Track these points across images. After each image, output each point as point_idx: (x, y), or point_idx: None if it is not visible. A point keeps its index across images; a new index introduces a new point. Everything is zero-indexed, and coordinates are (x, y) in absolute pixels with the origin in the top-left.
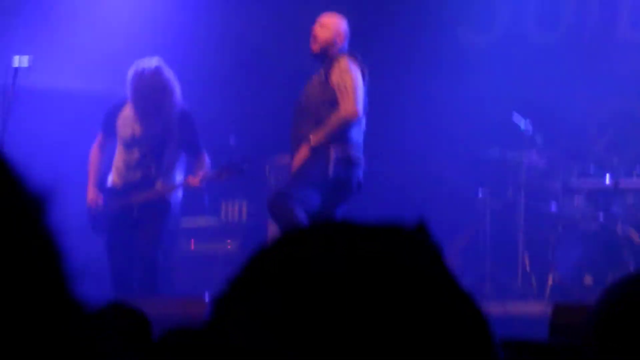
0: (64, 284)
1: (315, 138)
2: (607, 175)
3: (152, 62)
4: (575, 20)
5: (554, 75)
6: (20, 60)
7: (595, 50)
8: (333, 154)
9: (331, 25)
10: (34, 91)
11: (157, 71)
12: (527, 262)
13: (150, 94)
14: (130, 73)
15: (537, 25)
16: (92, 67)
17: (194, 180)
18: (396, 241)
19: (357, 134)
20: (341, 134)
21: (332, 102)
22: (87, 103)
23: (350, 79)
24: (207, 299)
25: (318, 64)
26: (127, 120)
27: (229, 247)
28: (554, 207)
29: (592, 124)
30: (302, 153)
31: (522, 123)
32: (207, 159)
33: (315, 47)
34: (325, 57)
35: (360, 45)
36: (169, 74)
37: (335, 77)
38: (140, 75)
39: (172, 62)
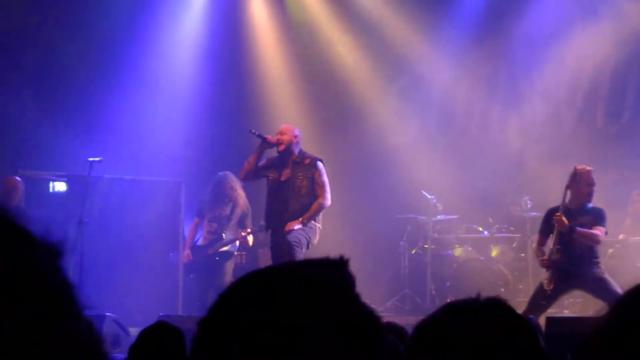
0: (77, 316)
1: (305, 217)
2: (486, 231)
3: (223, 173)
4: (460, 126)
5: (448, 164)
6: (94, 158)
7: (474, 147)
8: (317, 227)
9: (289, 132)
10: (103, 179)
11: (227, 178)
12: (432, 288)
13: (223, 195)
14: (212, 181)
15: (437, 129)
16: (143, 160)
17: (242, 235)
18: (321, 263)
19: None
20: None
21: (313, 191)
22: (140, 187)
23: (326, 181)
24: None
25: None
26: (211, 208)
27: None
28: (450, 252)
29: (474, 197)
30: (294, 224)
31: (429, 197)
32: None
33: (282, 147)
34: (289, 153)
35: (319, 150)
36: (234, 182)
37: (317, 177)
38: (218, 181)
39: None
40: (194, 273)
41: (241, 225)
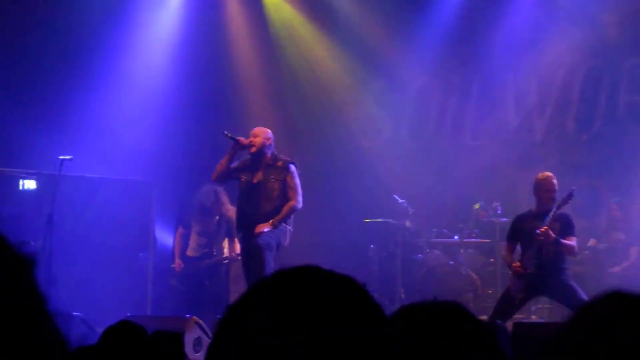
0: (49, 325)
1: (276, 220)
2: (456, 236)
3: (208, 187)
4: (435, 129)
5: (420, 169)
6: (64, 156)
7: (446, 152)
8: (288, 229)
9: (261, 134)
10: (73, 177)
11: (214, 192)
12: (402, 292)
13: (211, 210)
14: (198, 194)
15: (409, 133)
16: (115, 159)
17: (234, 251)
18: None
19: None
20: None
21: (285, 194)
22: (111, 186)
23: (298, 183)
24: (187, 317)
25: None
26: (198, 222)
27: None
28: (420, 256)
29: (445, 202)
30: (265, 227)
31: (400, 201)
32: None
33: (254, 149)
34: (262, 155)
35: (291, 152)
36: (221, 195)
37: (289, 180)
38: (203, 196)
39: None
40: (178, 280)
41: (229, 235)
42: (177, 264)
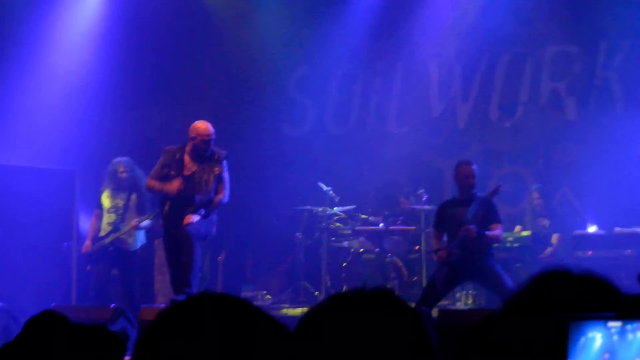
0: None
1: (206, 211)
2: (381, 223)
3: (121, 159)
4: (357, 118)
5: (345, 157)
6: None
7: (370, 140)
8: (215, 219)
9: (193, 130)
10: None
11: (126, 163)
12: (327, 280)
13: (119, 183)
14: (109, 167)
15: (334, 121)
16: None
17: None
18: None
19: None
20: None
21: (215, 186)
22: (33, 175)
23: (228, 177)
24: (111, 307)
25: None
26: (107, 196)
27: None
28: (346, 244)
29: (370, 190)
30: (194, 217)
31: (325, 189)
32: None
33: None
34: (199, 149)
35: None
36: (129, 167)
37: (220, 173)
38: (114, 167)
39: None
40: (92, 264)
41: (140, 211)
42: (85, 245)
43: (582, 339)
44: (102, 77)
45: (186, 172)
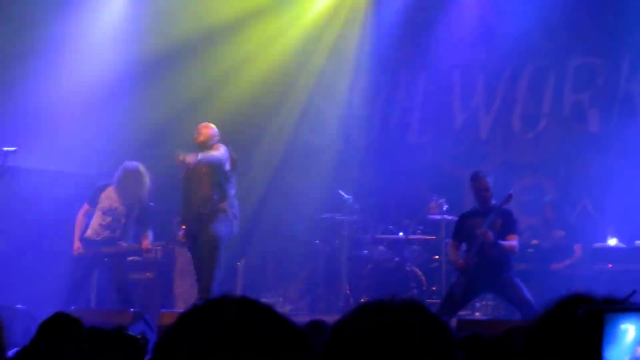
0: None
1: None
2: (401, 232)
3: (135, 165)
4: (380, 128)
5: (367, 165)
6: (9, 147)
7: (393, 149)
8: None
9: (209, 130)
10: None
11: (138, 172)
12: (347, 288)
13: (130, 186)
14: (120, 169)
15: (358, 130)
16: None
17: (145, 245)
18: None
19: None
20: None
21: (217, 182)
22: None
23: (218, 152)
24: (131, 311)
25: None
26: (108, 197)
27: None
28: (366, 252)
29: (391, 199)
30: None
31: (345, 197)
32: (151, 233)
33: (200, 139)
34: (205, 147)
35: (236, 146)
36: (144, 176)
37: (212, 151)
38: (126, 173)
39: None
40: (83, 267)
41: (140, 223)
42: (76, 247)
43: (616, 330)
44: (126, 80)
45: (191, 169)
